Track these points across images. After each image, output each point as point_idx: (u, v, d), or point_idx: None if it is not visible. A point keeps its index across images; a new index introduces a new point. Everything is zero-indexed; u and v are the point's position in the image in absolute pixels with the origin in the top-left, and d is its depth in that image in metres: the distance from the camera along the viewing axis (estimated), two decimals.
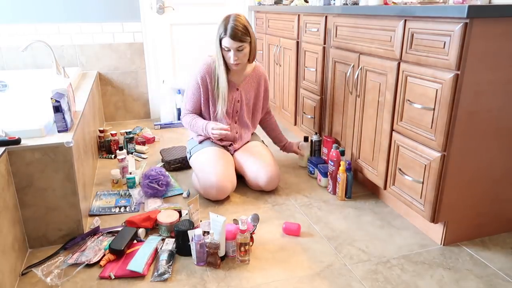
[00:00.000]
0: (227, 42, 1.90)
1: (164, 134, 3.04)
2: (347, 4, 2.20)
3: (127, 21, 3.15)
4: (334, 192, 2.06)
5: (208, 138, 2.19)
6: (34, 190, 1.54)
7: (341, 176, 1.96)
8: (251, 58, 2.04)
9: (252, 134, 2.32)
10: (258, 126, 3.18)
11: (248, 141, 2.25)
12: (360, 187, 2.15)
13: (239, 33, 1.87)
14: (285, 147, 2.41)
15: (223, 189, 1.93)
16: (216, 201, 1.99)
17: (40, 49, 3.00)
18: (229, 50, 1.93)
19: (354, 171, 2.12)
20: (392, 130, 1.75)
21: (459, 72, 1.37)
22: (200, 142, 2.17)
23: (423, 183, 1.58)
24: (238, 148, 2.20)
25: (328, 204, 1.98)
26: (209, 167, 1.97)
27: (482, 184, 1.59)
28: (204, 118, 2.17)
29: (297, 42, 2.65)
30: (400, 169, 1.71)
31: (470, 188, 1.57)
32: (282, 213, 1.89)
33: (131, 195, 2.04)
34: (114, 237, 1.63)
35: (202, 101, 2.11)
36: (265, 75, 2.22)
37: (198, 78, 2.06)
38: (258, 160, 2.05)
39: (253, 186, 2.09)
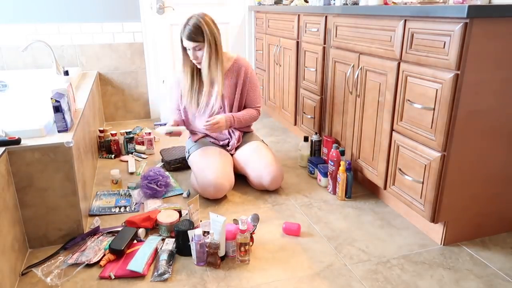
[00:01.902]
0: (184, 42, 1.99)
1: None
2: (347, 4, 2.20)
3: (127, 21, 3.15)
4: (334, 192, 2.06)
5: (205, 137, 2.21)
6: (34, 190, 1.54)
7: (341, 176, 1.96)
8: (216, 56, 2.00)
9: (250, 132, 2.32)
10: (258, 125, 3.20)
11: (243, 136, 2.25)
12: (360, 187, 2.15)
13: (192, 33, 1.94)
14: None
15: (221, 188, 1.93)
16: (214, 200, 1.99)
17: (40, 49, 3.00)
18: (189, 50, 2.00)
19: (354, 171, 2.12)
20: (392, 130, 1.75)
21: (459, 72, 1.37)
22: (195, 141, 2.18)
23: (423, 183, 1.58)
24: (238, 147, 2.20)
25: (328, 204, 1.98)
26: (207, 165, 1.97)
27: (482, 184, 1.59)
28: (194, 125, 2.25)
29: (297, 42, 2.65)
30: (400, 169, 1.71)
31: (470, 188, 1.57)
32: (282, 213, 1.89)
33: (131, 195, 2.04)
34: (114, 237, 1.63)
35: (181, 107, 2.23)
36: (246, 66, 2.15)
37: (172, 92, 2.24)
38: (260, 160, 2.05)
39: (256, 186, 2.09)
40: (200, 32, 1.94)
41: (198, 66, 2.06)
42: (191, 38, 1.94)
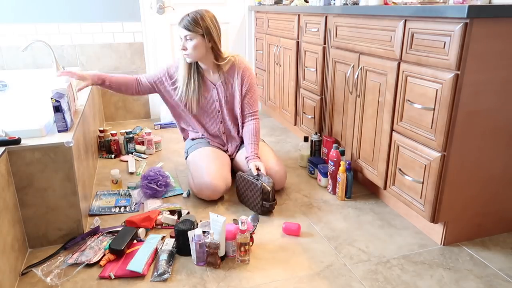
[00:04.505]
0: (179, 30, 1.94)
1: (164, 134, 3.04)
2: (347, 4, 2.20)
3: (127, 21, 3.15)
4: (334, 192, 2.06)
5: (203, 138, 2.19)
6: (34, 190, 1.54)
7: (341, 176, 1.96)
8: (206, 51, 1.95)
9: None
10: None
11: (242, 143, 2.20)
12: (360, 187, 2.15)
13: (187, 21, 1.89)
14: (247, 160, 2.02)
15: (216, 189, 1.92)
16: (210, 201, 1.98)
17: (40, 49, 3.00)
18: (181, 39, 1.94)
19: (354, 171, 2.12)
20: (392, 130, 1.75)
21: (459, 72, 1.37)
22: (193, 139, 2.19)
23: (423, 183, 1.58)
24: (239, 149, 2.19)
25: (328, 204, 1.98)
26: (204, 166, 1.96)
27: (482, 184, 1.59)
28: (188, 123, 2.23)
29: (297, 42, 2.65)
30: (400, 169, 1.71)
31: (470, 188, 1.57)
32: (282, 213, 1.89)
33: (131, 195, 2.04)
34: (114, 237, 1.63)
35: (167, 100, 2.18)
36: (245, 67, 2.06)
37: (159, 74, 2.14)
38: (264, 161, 2.03)
39: None
40: (196, 23, 1.89)
41: (187, 60, 1.97)
42: (185, 26, 1.90)
